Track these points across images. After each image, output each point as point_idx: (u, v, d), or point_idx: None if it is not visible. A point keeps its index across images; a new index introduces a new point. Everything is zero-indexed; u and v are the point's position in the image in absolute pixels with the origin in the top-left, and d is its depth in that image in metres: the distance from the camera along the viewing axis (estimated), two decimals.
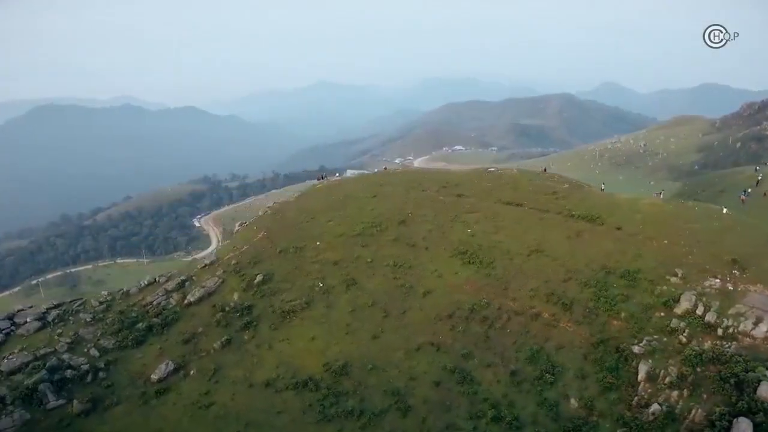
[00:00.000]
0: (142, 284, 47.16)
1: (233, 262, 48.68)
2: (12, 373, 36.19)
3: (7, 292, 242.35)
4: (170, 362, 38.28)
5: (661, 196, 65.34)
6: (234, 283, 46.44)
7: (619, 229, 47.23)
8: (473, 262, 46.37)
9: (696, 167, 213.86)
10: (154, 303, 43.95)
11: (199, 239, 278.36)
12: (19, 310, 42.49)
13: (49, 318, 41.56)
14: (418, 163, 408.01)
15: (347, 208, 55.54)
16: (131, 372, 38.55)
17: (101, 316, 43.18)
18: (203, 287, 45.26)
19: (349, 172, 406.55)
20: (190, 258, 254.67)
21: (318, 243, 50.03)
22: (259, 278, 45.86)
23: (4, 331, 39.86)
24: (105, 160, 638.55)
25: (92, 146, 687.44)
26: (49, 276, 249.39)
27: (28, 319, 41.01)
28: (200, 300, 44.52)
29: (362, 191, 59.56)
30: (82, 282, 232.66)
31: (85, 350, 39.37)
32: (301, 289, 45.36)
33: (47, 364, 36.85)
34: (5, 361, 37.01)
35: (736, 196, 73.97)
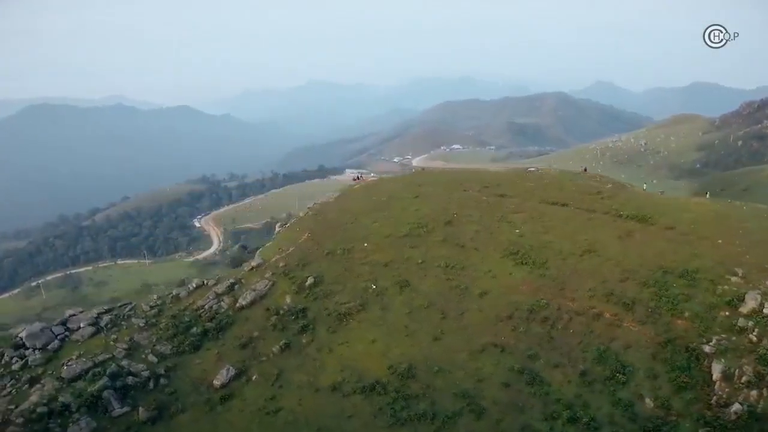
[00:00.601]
0: (191, 287, 46.37)
1: (281, 264, 48.00)
2: (73, 380, 35.38)
3: (6, 294, 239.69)
4: (230, 367, 37.61)
5: (708, 195, 65.14)
6: (285, 285, 45.78)
7: (670, 228, 47.04)
8: (526, 263, 46.03)
9: (698, 166, 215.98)
10: (206, 307, 43.22)
11: (200, 240, 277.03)
12: (71, 315, 41.58)
13: (102, 323, 40.70)
14: (416, 162, 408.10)
15: (390, 209, 55.08)
16: (192, 378, 37.83)
17: (154, 321, 42.40)
18: (254, 290, 44.60)
19: (347, 172, 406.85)
20: (192, 259, 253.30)
21: (365, 244, 49.51)
22: (310, 281, 45.25)
23: (59, 337, 38.97)
24: (99, 160, 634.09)
25: (85, 145, 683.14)
26: (49, 277, 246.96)
27: (81, 325, 40.13)
28: (252, 303, 43.86)
29: (403, 191, 59.12)
30: (84, 283, 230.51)
31: (143, 356, 38.60)
32: (354, 292, 44.80)
33: (108, 371, 36.04)
34: (65, 367, 36.16)
35: (762, 194, 74.31)
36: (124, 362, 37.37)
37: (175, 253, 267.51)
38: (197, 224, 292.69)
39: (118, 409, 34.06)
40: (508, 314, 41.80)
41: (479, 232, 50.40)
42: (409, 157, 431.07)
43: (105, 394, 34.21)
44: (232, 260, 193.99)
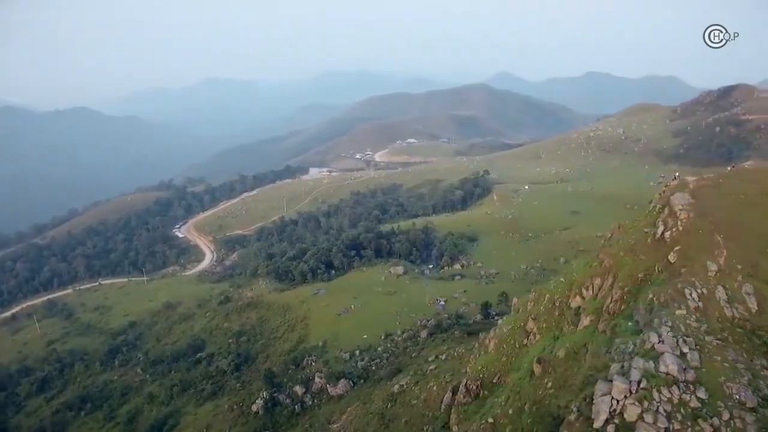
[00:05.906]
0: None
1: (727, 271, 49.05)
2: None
3: None
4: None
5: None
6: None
7: None
8: None
9: (681, 150, 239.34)
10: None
11: (189, 251, 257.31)
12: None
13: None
14: (378, 157, 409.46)
15: (760, 209, 57.69)
16: None
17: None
18: (706, 297, 45.33)
19: (312, 170, 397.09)
20: (192, 272, 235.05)
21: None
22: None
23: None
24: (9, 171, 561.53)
25: None
26: (24, 306, 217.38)
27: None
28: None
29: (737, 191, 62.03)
30: (76, 309, 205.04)
31: None
32: None
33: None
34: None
35: None
36: None
37: (163, 268, 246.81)
38: (179, 234, 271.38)
39: None
40: None
41: None
42: (369, 153, 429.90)
43: None
44: (273, 270, 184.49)
